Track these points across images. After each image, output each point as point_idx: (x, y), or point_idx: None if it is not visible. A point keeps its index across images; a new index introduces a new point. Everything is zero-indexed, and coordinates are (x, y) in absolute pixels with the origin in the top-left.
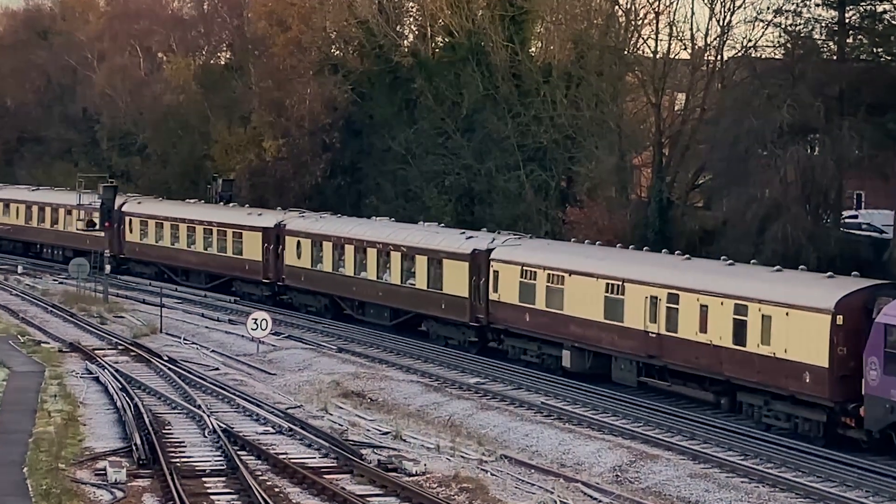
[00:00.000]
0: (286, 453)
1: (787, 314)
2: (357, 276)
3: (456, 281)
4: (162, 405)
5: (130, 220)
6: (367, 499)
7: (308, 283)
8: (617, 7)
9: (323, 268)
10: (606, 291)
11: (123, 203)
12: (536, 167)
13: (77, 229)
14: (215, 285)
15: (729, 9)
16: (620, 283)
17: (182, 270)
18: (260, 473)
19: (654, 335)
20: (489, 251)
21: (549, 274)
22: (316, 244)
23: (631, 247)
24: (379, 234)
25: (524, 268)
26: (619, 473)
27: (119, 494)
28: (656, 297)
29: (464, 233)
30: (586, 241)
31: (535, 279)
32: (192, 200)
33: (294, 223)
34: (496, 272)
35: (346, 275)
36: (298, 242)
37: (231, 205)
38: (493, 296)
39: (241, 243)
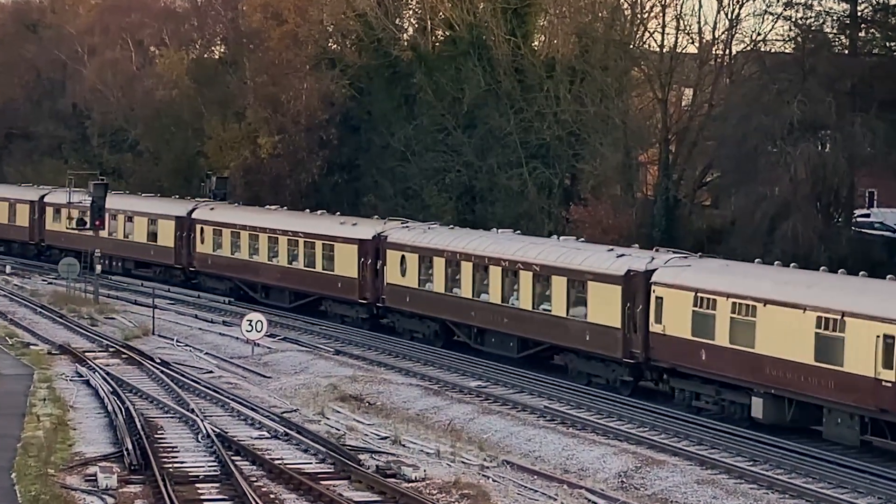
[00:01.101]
0: (282, 459)
1: None
2: (476, 299)
3: (604, 308)
4: (154, 409)
5: (202, 228)
6: None
7: (414, 306)
8: (622, 0)
9: (433, 288)
10: (818, 327)
11: (194, 209)
12: (539, 164)
13: (67, 228)
14: (300, 305)
15: (738, 1)
16: (839, 316)
17: (262, 287)
18: (255, 479)
19: (888, 385)
20: (649, 273)
21: (734, 303)
22: (424, 260)
23: (841, 271)
24: (505, 250)
25: (699, 294)
26: (624, 479)
27: (110, 501)
28: (893, 337)
29: (612, 249)
30: (775, 263)
31: (714, 308)
32: (272, 207)
33: (397, 235)
34: (659, 299)
35: (462, 297)
36: (402, 257)
37: (320, 212)
38: (654, 327)
39: (332, 257)
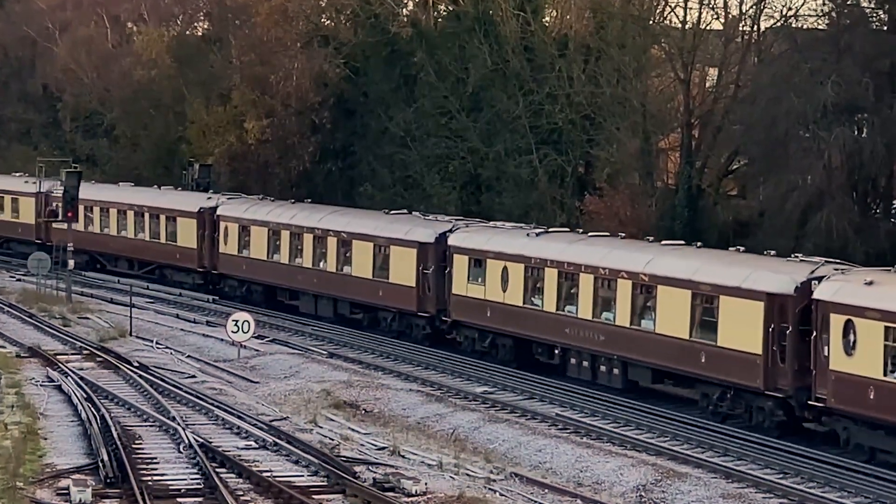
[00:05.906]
0: (270, 471)
1: None
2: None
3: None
4: (132, 417)
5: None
6: None
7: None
8: None
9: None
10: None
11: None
12: (551, 151)
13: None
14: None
15: None
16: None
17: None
18: (241, 493)
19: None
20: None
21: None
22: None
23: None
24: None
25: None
26: (642, 494)
27: None
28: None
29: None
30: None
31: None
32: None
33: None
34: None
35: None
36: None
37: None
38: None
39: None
